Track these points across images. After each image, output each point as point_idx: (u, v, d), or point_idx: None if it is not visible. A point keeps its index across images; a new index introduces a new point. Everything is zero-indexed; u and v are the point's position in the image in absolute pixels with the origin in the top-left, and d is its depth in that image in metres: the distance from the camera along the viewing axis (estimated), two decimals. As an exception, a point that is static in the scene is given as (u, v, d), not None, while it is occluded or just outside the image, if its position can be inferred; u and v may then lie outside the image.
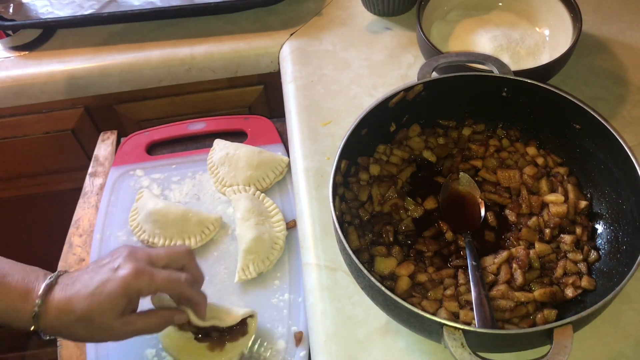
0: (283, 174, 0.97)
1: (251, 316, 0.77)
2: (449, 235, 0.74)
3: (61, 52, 1.09)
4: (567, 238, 0.71)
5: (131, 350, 0.80)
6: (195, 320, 0.73)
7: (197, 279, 0.75)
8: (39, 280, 0.68)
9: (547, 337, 0.55)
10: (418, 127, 0.82)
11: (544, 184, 0.76)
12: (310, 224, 0.81)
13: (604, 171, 0.72)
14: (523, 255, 0.69)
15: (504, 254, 0.70)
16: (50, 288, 0.67)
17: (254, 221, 0.87)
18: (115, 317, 0.67)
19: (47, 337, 0.68)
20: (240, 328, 0.77)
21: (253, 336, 0.78)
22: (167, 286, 0.70)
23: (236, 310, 0.77)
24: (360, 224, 0.74)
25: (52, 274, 0.69)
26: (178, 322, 0.73)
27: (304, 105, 0.95)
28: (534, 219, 0.73)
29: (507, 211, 0.75)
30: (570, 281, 0.68)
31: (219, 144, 1.01)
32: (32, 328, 0.66)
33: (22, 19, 1.10)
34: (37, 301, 0.66)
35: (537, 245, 0.71)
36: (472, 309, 0.64)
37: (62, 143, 1.21)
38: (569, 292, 0.67)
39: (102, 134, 1.10)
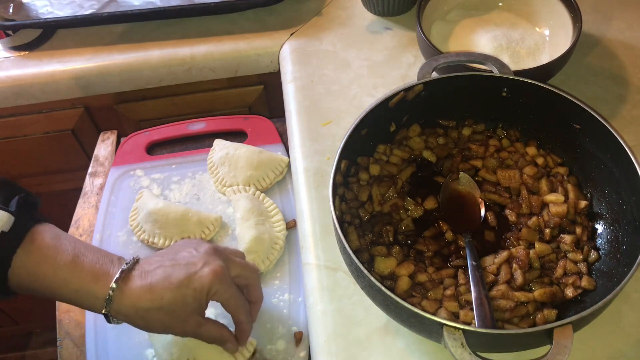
0: (283, 174, 0.97)
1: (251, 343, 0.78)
2: (449, 235, 0.74)
3: (61, 52, 1.09)
4: (567, 238, 0.71)
5: (131, 350, 0.80)
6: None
7: (257, 299, 0.75)
8: (114, 265, 0.67)
9: (547, 337, 0.55)
10: (418, 127, 0.82)
11: (544, 184, 0.76)
12: (310, 224, 0.81)
13: (604, 171, 0.72)
14: (523, 255, 0.69)
15: (504, 254, 0.70)
16: (126, 273, 0.66)
17: (254, 221, 0.87)
18: (192, 312, 0.67)
19: (115, 322, 0.67)
20: None
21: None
22: (232, 302, 0.70)
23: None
24: (360, 224, 0.74)
25: (129, 260, 0.68)
26: (227, 349, 0.73)
27: (304, 105, 0.95)
28: (534, 219, 0.73)
29: (507, 211, 0.75)
30: (570, 281, 0.68)
31: (219, 144, 1.01)
32: (103, 311, 0.65)
33: (22, 19, 1.10)
34: (112, 285, 0.65)
35: (537, 245, 0.71)
36: (472, 309, 0.64)
37: (62, 143, 1.21)
38: (569, 292, 0.67)
39: (102, 134, 1.11)
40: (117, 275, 0.65)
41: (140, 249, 0.91)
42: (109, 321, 0.67)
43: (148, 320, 0.67)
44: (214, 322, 0.72)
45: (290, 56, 1.03)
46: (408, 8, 1.08)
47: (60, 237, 0.68)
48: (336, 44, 1.05)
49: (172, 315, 0.66)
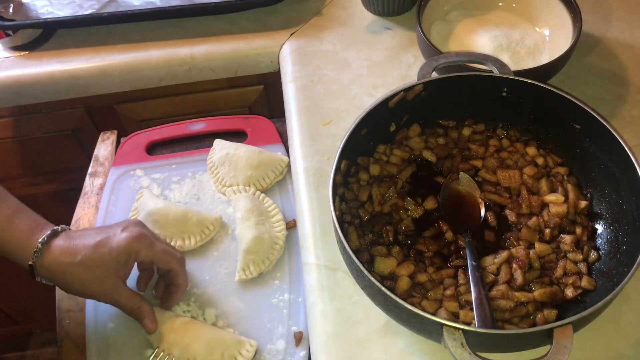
0: (283, 174, 0.97)
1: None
2: (449, 235, 0.74)
3: (61, 52, 1.09)
4: (567, 238, 0.71)
5: (131, 350, 0.80)
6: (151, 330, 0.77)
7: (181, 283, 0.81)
8: (48, 226, 0.75)
9: (547, 337, 0.55)
10: (418, 127, 0.82)
11: (544, 184, 0.76)
12: (310, 224, 0.81)
13: (604, 171, 0.72)
14: (523, 255, 0.69)
15: (504, 254, 0.70)
16: (55, 234, 0.75)
17: (254, 221, 0.87)
18: (109, 273, 0.73)
19: (39, 280, 0.74)
20: None
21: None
22: (163, 256, 0.77)
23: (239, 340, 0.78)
24: (360, 224, 0.74)
25: (59, 226, 0.76)
26: (144, 326, 0.77)
27: (304, 105, 0.95)
28: (534, 219, 0.73)
29: (507, 211, 0.75)
30: (570, 281, 0.68)
31: (219, 144, 1.01)
32: (29, 262, 0.72)
33: (22, 19, 1.10)
34: (40, 239, 0.73)
35: (537, 245, 0.71)
36: (472, 309, 0.64)
37: (62, 143, 1.21)
38: (569, 292, 0.67)
39: (102, 134, 1.11)
40: (48, 233, 0.74)
41: (140, 249, 0.91)
42: (33, 276, 0.73)
43: (67, 274, 0.73)
44: (135, 293, 0.77)
45: (290, 56, 1.03)
46: (408, 8, 1.08)
47: (6, 195, 0.76)
48: (336, 44, 1.05)
49: (89, 272, 0.73)
